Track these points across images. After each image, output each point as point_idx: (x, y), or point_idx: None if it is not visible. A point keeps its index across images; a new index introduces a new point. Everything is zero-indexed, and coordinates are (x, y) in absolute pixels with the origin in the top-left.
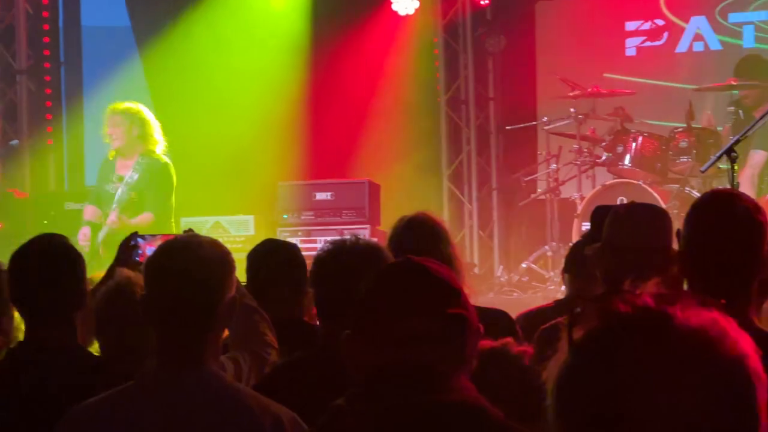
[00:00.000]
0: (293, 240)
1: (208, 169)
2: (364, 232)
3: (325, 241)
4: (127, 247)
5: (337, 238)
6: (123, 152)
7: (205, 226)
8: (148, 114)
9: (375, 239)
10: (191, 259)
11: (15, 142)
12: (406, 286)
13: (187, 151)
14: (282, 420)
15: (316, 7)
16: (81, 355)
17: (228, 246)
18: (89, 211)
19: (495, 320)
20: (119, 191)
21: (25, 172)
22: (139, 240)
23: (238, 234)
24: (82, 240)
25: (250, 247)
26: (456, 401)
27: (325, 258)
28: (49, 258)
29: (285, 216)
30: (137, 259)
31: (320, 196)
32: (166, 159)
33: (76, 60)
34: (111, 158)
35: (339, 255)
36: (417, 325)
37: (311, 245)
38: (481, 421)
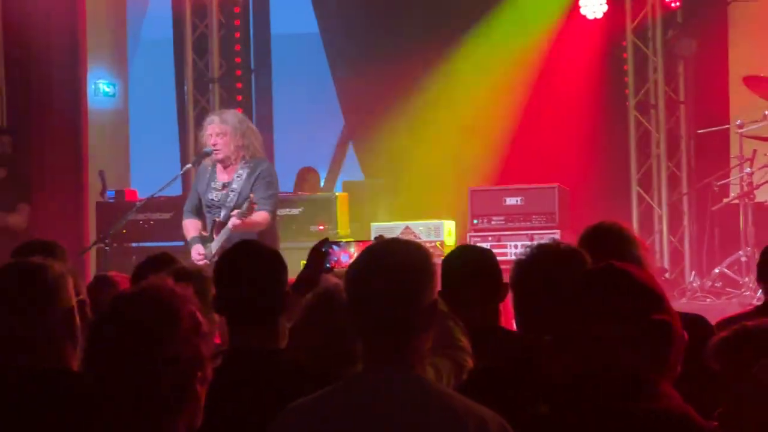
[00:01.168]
0: (483, 245)
1: (401, 175)
2: (554, 238)
3: (523, 245)
4: (319, 254)
5: (536, 242)
6: (224, 161)
7: (395, 231)
8: (250, 123)
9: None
10: (394, 263)
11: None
12: (610, 291)
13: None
14: (486, 422)
15: (505, 12)
16: (285, 358)
17: None
18: (192, 226)
19: (694, 326)
20: (229, 197)
21: None
22: (334, 247)
23: (428, 239)
24: (197, 258)
25: (439, 251)
26: (662, 409)
27: (525, 262)
28: (249, 263)
29: (475, 221)
30: (329, 266)
31: (510, 201)
32: (267, 161)
33: (265, 67)
34: (210, 167)
35: (539, 259)
36: (621, 330)
37: (501, 250)
38: (688, 429)
